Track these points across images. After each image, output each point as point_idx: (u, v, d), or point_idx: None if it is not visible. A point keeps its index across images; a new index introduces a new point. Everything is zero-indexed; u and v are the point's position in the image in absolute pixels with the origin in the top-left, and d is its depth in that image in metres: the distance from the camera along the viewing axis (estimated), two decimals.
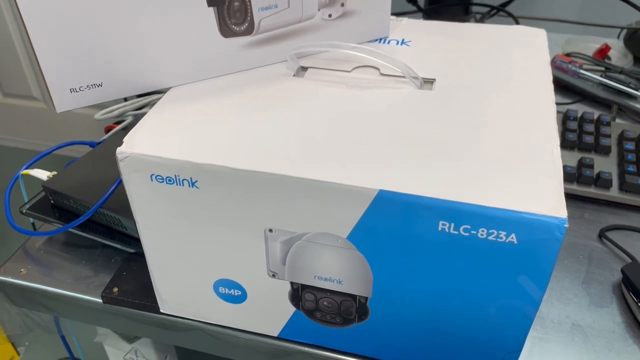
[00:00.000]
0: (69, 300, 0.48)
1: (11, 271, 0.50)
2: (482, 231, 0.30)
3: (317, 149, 0.34)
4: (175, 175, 0.34)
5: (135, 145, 0.34)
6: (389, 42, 0.45)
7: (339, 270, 0.35)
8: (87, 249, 0.53)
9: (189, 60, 0.39)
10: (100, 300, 0.47)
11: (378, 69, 0.42)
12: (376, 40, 0.45)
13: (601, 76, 0.75)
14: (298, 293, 0.37)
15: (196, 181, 0.34)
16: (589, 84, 0.74)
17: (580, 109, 0.72)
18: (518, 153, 0.33)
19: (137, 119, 0.62)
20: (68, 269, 0.50)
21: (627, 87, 0.73)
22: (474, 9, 0.83)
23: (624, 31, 0.87)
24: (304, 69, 0.42)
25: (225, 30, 0.39)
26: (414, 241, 0.32)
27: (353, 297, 0.36)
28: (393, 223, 0.32)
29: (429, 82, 0.40)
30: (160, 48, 0.38)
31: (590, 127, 0.61)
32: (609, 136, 0.60)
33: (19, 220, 0.53)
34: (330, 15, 0.42)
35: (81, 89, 0.37)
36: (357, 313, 0.37)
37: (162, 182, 0.34)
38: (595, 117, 0.63)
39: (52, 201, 0.53)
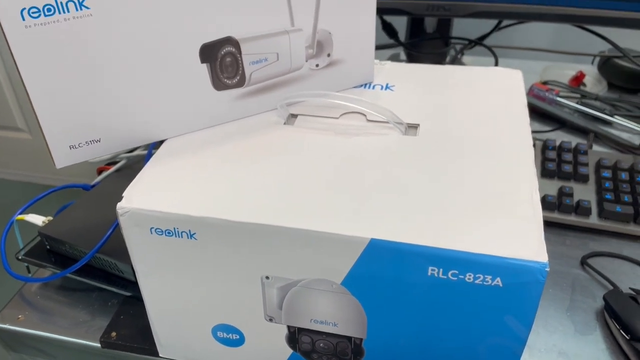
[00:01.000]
0: (68, 345, 0.49)
1: (9, 318, 0.51)
2: (469, 275, 0.32)
3: (310, 199, 0.35)
4: (174, 228, 0.35)
5: (135, 200, 0.36)
6: (373, 87, 0.47)
7: (334, 313, 0.36)
8: (83, 292, 0.53)
9: (183, 113, 0.41)
10: (99, 345, 0.48)
11: (365, 115, 0.43)
12: (361, 85, 0.48)
13: (577, 103, 0.78)
14: (295, 336, 0.39)
15: (194, 233, 0.35)
16: (566, 111, 0.77)
17: (558, 136, 0.74)
18: (500, 199, 0.35)
19: (130, 160, 0.64)
20: (65, 314, 0.51)
21: (603, 113, 0.76)
22: (454, 41, 0.86)
23: (597, 58, 0.91)
24: (294, 116, 0.44)
25: (218, 84, 0.41)
26: (405, 285, 0.34)
27: (348, 338, 0.38)
28: (385, 269, 0.33)
29: (413, 127, 0.42)
30: (156, 103, 0.39)
31: (568, 156, 0.64)
32: (586, 164, 0.63)
33: (13, 264, 0.54)
34: (317, 65, 0.44)
35: (80, 145, 0.38)
36: (353, 354, 0.38)
37: (162, 234, 0.36)
38: (573, 145, 0.66)
39: (47, 246, 0.54)
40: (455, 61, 0.84)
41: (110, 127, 0.39)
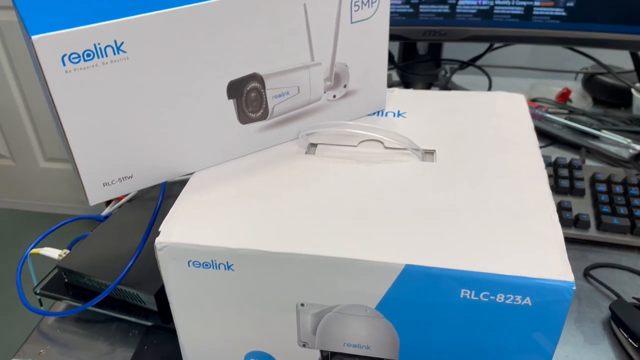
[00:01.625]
0: None
1: (30, 353, 0.51)
2: (500, 296, 0.34)
3: (343, 227, 0.37)
4: (212, 261, 0.36)
5: (173, 234, 0.37)
6: (386, 115, 0.49)
7: (367, 337, 0.38)
8: (103, 324, 0.54)
9: (210, 147, 0.42)
10: None
11: (382, 142, 0.45)
12: (374, 113, 0.49)
13: (566, 119, 0.82)
14: None
15: (232, 264, 0.36)
16: (555, 127, 0.81)
17: (551, 152, 0.77)
18: (522, 221, 0.37)
19: (141, 191, 0.64)
20: (87, 347, 0.51)
21: (591, 128, 0.79)
22: (446, 63, 0.89)
23: (580, 74, 0.95)
24: (314, 145, 0.46)
25: (243, 118, 0.42)
26: (438, 307, 0.35)
27: None
28: (418, 292, 0.35)
29: (429, 153, 0.44)
30: (185, 138, 0.40)
31: (564, 172, 0.67)
32: (582, 179, 0.66)
33: (28, 298, 0.54)
34: (334, 96, 0.46)
35: (113, 182, 0.39)
36: None
37: (199, 267, 0.37)
38: (568, 161, 0.69)
39: (66, 279, 0.54)
40: (448, 82, 0.87)
41: (142, 164, 0.40)
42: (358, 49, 0.45)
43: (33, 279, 0.59)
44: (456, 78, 0.94)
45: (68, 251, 0.55)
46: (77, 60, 0.34)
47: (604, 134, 0.78)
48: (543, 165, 0.42)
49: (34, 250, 0.56)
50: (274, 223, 0.37)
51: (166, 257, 0.37)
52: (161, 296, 0.50)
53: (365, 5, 0.43)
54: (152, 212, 0.60)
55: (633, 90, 0.83)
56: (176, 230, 0.37)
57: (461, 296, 0.34)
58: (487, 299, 0.34)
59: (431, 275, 0.34)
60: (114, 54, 0.35)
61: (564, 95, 0.88)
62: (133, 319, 0.52)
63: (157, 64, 0.36)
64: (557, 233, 0.36)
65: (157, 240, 0.37)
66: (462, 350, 0.37)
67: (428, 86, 0.88)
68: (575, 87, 0.92)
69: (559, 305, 0.33)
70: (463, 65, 0.87)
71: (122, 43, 0.35)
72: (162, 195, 0.55)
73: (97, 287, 0.52)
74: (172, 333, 0.51)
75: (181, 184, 0.65)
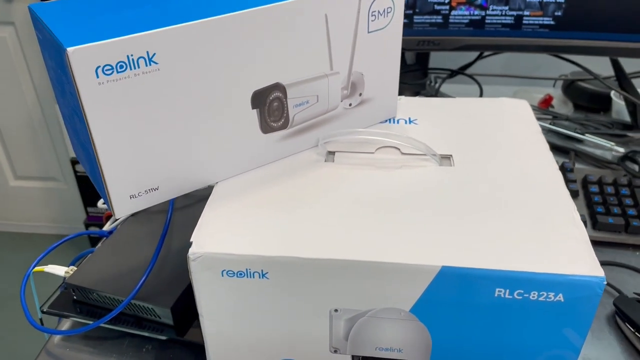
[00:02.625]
0: None
1: None
2: (534, 294, 0.35)
3: (374, 232, 0.37)
4: (246, 269, 0.36)
5: (206, 244, 0.37)
6: (398, 122, 0.50)
7: (400, 340, 0.38)
8: (113, 340, 0.53)
9: (233, 157, 0.42)
10: None
11: (399, 149, 0.46)
12: (386, 120, 0.50)
13: (550, 124, 0.85)
14: None
15: (267, 272, 0.36)
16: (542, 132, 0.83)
17: None
18: (547, 221, 0.38)
19: None
20: None
21: (575, 132, 0.82)
22: (434, 72, 0.91)
23: (559, 81, 0.98)
24: (332, 152, 0.46)
25: (265, 127, 0.42)
26: (472, 307, 0.36)
27: None
28: (454, 293, 0.36)
29: (446, 158, 0.46)
30: (210, 149, 0.40)
31: None
32: (574, 181, 0.68)
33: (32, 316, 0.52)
34: (350, 105, 0.46)
35: (140, 194, 0.39)
36: None
37: (233, 276, 0.37)
38: (560, 164, 0.71)
39: (74, 297, 0.53)
40: (437, 91, 0.89)
41: (168, 175, 0.39)
42: (373, 58, 0.45)
43: (35, 297, 0.57)
44: (444, 87, 0.96)
45: (75, 268, 0.54)
46: (110, 72, 0.34)
47: (588, 137, 0.81)
48: (556, 166, 0.44)
49: (38, 268, 0.55)
50: (305, 230, 0.38)
51: (200, 267, 0.37)
52: (177, 309, 0.49)
53: (381, 15, 0.44)
54: (157, 225, 0.59)
55: (613, 95, 0.87)
56: (209, 240, 0.37)
57: (495, 295, 0.35)
58: (520, 297, 0.35)
59: (467, 276, 0.35)
60: (146, 65, 0.35)
61: (547, 102, 0.92)
62: (146, 334, 0.51)
63: (186, 75, 0.37)
64: (581, 231, 0.37)
65: (191, 251, 0.36)
66: (493, 348, 0.38)
67: (416, 95, 0.90)
68: (556, 94, 0.96)
69: (590, 301, 0.35)
70: (452, 73, 0.89)
71: (155, 54, 0.35)
72: (172, 207, 0.54)
73: (109, 303, 0.51)
74: (188, 346, 0.50)
75: (184, 197, 0.64)
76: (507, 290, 0.35)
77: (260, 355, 0.41)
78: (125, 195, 0.38)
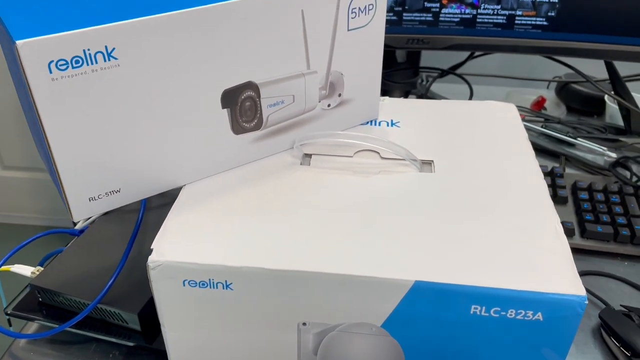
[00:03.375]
0: None
1: None
2: (511, 312, 0.33)
3: (345, 243, 0.35)
4: (209, 279, 0.34)
5: (167, 252, 0.35)
6: (379, 124, 0.48)
7: (371, 356, 0.37)
8: (80, 345, 0.51)
9: (202, 158, 0.40)
10: None
11: (378, 153, 0.44)
12: (367, 122, 0.48)
13: (542, 127, 0.83)
14: None
15: (231, 283, 0.34)
16: (532, 135, 0.81)
17: None
18: (528, 234, 0.36)
19: None
20: None
21: (567, 135, 0.81)
22: (425, 71, 0.89)
23: (552, 83, 0.96)
24: (308, 155, 0.44)
25: (237, 128, 0.40)
26: (447, 324, 0.34)
27: None
28: (427, 309, 0.34)
29: (427, 163, 0.44)
30: (175, 150, 0.38)
31: (547, 180, 0.67)
32: (564, 187, 0.66)
33: None
34: (329, 105, 0.44)
35: (99, 196, 0.37)
36: None
37: (195, 286, 0.35)
38: (549, 169, 0.69)
39: (40, 299, 0.51)
40: (427, 91, 0.87)
41: (130, 177, 0.37)
42: (353, 57, 0.43)
43: (2, 298, 0.55)
44: (435, 87, 0.94)
45: (41, 268, 0.52)
46: (64, 67, 0.31)
47: (580, 141, 0.79)
48: (542, 174, 0.42)
49: (4, 268, 0.53)
50: (273, 239, 0.36)
51: (160, 276, 0.35)
52: (145, 315, 0.47)
53: (362, 12, 0.41)
54: (130, 225, 0.57)
55: (606, 99, 0.85)
56: (170, 248, 0.35)
57: (471, 312, 0.33)
58: (497, 315, 0.33)
59: (441, 292, 0.33)
60: (105, 60, 0.32)
61: (539, 104, 0.90)
62: (114, 340, 0.49)
63: (148, 71, 0.34)
64: (564, 246, 0.35)
65: (150, 259, 0.34)
66: None
67: (406, 94, 0.88)
68: (549, 96, 0.94)
69: (571, 320, 0.33)
70: (443, 73, 0.87)
71: (114, 49, 0.32)
72: (144, 208, 0.52)
73: (75, 307, 0.49)
74: (156, 354, 0.48)
75: (159, 196, 0.62)
76: (484, 308, 0.33)
77: None
78: (84, 198, 0.36)
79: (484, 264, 0.34)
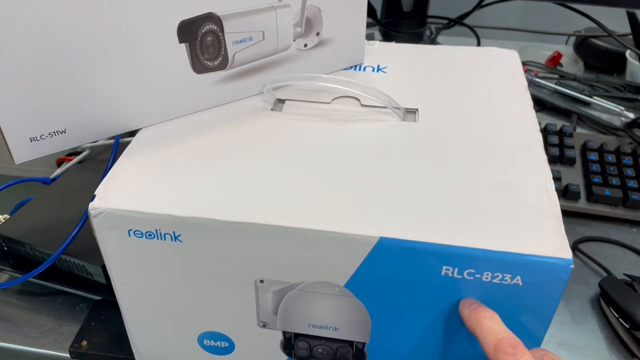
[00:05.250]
0: (33, 357, 0.45)
1: None
2: (487, 275, 0.29)
3: (308, 195, 0.32)
4: (156, 230, 0.31)
5: (110, 199, 0.31)
6: (364, 69, 0.44)
7: (335, 318, 0.33)
8: (47, 297, 0.49)
9: (159, 100, 0.36)
10: (68, 356, 0.43)
11: (358, 100, 0.40)
12: (351, 67, 0.44)
13: (556, 84, 0.77)
14: (291, 342, 0.36)
15: (180, 235, 0.31)
16: (545, 93, 0.76)
17: (540, 119, 0.73)
18: (513, 190, 0.32)
19: (93, 151, 0.59)
20: (29, 322, 0.46)
21: (582, 94, 0.75)
22: (432, 21, 0.84)
23: (572, 38, 0.90)
24: (281, 101, 0.40)
25: (198, 67, 0.36)
26: (416, 286, 0.31)
27: (350, 342, 0.35)
28: (394, 269, 0.30)
29: (411, 112, 0.39)
30: (128, 88, 0.35)
31: (554, 139, 0.62)
32: (572, 147, 0.61)
33: None
34: (305, 45, 0.40)
35: (42, 137, 0.33)
36: (354, 358, 0.36)
37: (142, 237, 0.32)
38: (558, 127, 0.64)
39: (5, 248, 0.49)
40: (433, 42, 0.82)
41: (77, 116, 0.34)
42: None
43: None
44: (442, 39, 0.88)
45: (8, 216, 0.50)
46: None
47: (596, 100, 0.74)
48: (537, 127, 0.38)
49: None
50: (230, 189, 0.32)
51: (103, 225, 0.32)
52: None
53: None
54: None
55: (627, 55, 0.79)
56: (114, 195, 0.32)
57: (442, 274, 0.30)
58: (472, 278, 0.30)
59: (409, 250, 0.29)
60: None
61: (555, 59, 0.84)
62: (80, 293, 0.47)
63: None
64: (553, 204, 0.31)
65: (91, 205, 0.31)
66: (440, 333, 0.33)
67: None
68: (567, 52, 0.87)
69: (554, 286, 0.29)
70: (450, 23, 0.81)
71: None
72: (114, 154, 0.49)
73: (40, 257, 0.47)
74: None
75: None
76: (456, 269, 0.29)
77: (181, 326, 0.36)
78: (24, 137, 0.33)
79: (459, 222, 0.30)
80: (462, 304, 0.30)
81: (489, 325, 0.29)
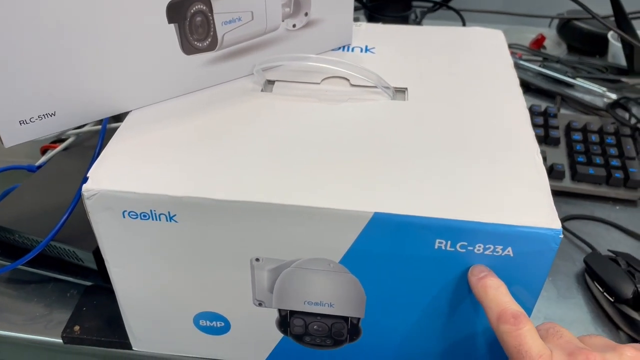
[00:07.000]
0: (25, 343, 0.44)
1: None
2: (479, 247, 0.30)
3: (302, 173, 0.32)
4: (151, 211, 0.31)
5: (103, 180, 0.31)
6: (352, 50, 0.44)
7: (330, 294, 0.34)
8: (37, 284, 0.48)
9: (149, 81, 0.36)
10: (61, 341, 0.43)
11: (348, 80, 0.40)
12: (340, 48, 0.44)
13: (540, 66, 0.78)
14: (286, 319, 0.36)
15: (175, 215, 0.31)
16: (529, 75, 0.77)
17: (525, 100, 0.74)
18: (503, 165, 0.33)
19: (79, 138, 0.58)
20: (19, 309, 0.46)
21: (565, 76, 0.76)
22: (417, 4, 0.84)
23: (555, 20, 0.91)
24: (271, 82, 0.40)
25: (187, 47, 0.36)
26: (410, 260, 0.31)
27: (345, 318, 0.35)
28: (388, 244, 0.31)
29: (400, 91, 0.40)
30: (118, 70, 0.35)
31: (539, 120, 0.63)
32: (557, 127, 0.62)
33: None
34: (294, 26, 0.40)
35: (32, 119, 0.33)
36: (349, 334, 0.36)
37: (136, 218, 0.32)
38: (543, 109, 0.65)
39: None
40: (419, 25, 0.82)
41: (67, 98, 0.34)
42: None
43: None
44: (427, 22, 0.88)
45: None
46: None
47: (579, 82, 0.75)
48: (524, 104, 0.38)
49: None
50: (224, 168, 0.32)
51: (97, 207, 0.32)
52: (101, 253, 0.45)
53: None
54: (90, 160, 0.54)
55: (610, 36, 0.80)
56: (108, 176, 0.32)
57: (435, 247, 0.30)
58: (464, 250, 0.30)
59: (403, 224, 0.30)
60: None
61: (538, 42, 0.84)
62: (70, 279, 0.46)
63: None
64: (541, 176, 0.32)
65: (85, 187, 0.31)
66: (434, 306, 0.33)
67: None
68: (550, 34, 0.88)
69: (544, 256, 0.30)
70: (435, 6, 0.81)
71: None
72: (102, 138, 0.49)
73: (29, 245, 0.47)
74: (113, 293, 0.46)
75: None
76: (449, 242, 0.30)
77: (177, 307, 0.36)
78: (14, 120, 0.33)
79: (451, 195, 0.31)
80: (471, 272, 0.31)
81: (494, 295, 0.29)
